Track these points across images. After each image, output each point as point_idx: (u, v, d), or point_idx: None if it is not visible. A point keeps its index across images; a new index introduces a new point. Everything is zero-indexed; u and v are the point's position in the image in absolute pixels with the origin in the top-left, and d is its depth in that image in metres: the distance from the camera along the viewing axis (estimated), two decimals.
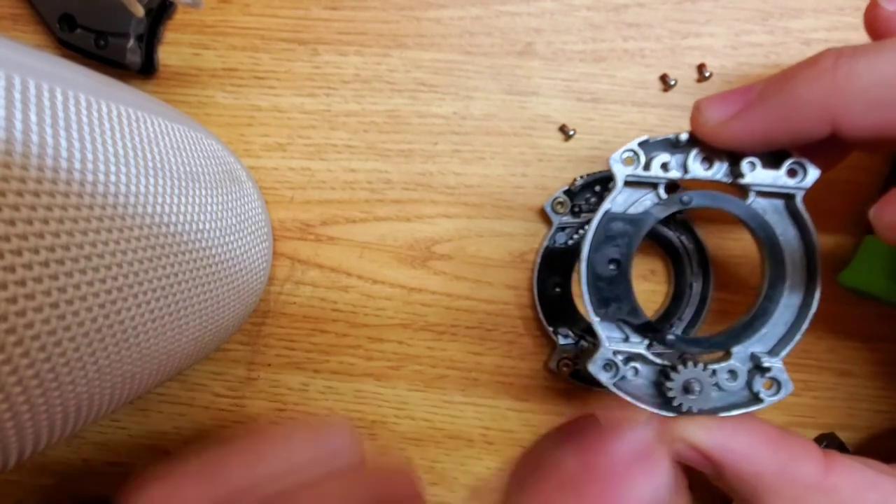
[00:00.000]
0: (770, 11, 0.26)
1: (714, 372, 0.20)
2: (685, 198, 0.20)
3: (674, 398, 0.20)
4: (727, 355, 0.20)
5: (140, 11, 0.23)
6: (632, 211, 0.21)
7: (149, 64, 0.27)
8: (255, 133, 0.28)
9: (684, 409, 0.20)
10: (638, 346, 0.20)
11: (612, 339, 0.21)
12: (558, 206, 0.26)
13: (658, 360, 0.20)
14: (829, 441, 0.26)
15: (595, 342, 0.27)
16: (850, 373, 0.27)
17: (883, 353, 0.27)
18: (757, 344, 0.21)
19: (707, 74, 0.26)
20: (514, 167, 0.27)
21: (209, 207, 0.22)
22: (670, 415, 0.20)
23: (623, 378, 0.20)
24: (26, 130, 0.15)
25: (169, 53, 0.27)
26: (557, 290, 0.27)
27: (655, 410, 0.20)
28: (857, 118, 0.17)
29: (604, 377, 0.20)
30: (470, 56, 0.27)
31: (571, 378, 0.27)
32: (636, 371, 0.21)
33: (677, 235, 0.26)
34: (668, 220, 0.26)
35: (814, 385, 0.27)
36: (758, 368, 0.20)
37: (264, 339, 0.28)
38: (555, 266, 0.26)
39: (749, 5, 0.26)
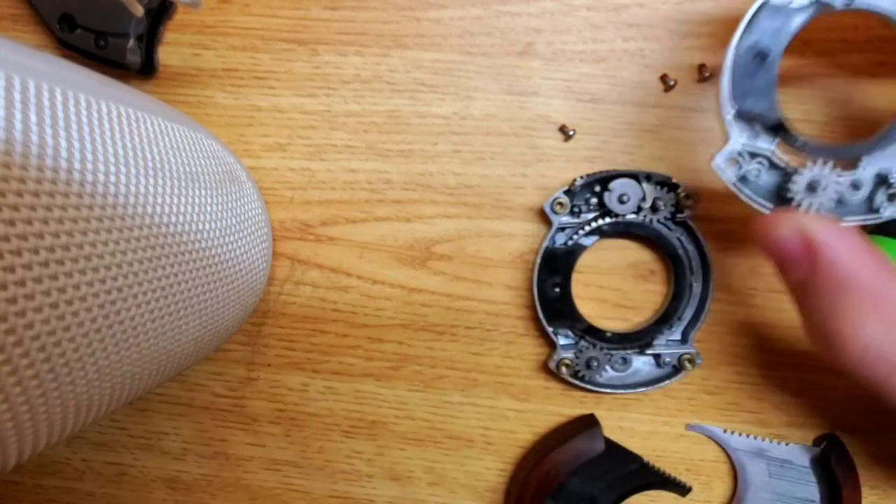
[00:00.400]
0: None
1: (839, 180, 0.20)
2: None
3: (795, 198, 0.20)
4: (855, 166, 0.21)
5: (140, 11, 0.23)
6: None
7: (149, 64, 0.27)
8: (254, 133, 0.28)
9: (814, 208, 0.21)
10: (766, 146, 0.21)
11: (741, 136, 0.21)
12: (558, 207, 0.26)
13: (783, 162, 0.21)
14: (829, 441, 0.26)
15: (595, 342, 0.27)
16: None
17: None
18: (887, 160, 0.21)
19: (707, 75, 0.26)
20: (514, 167, 0.27)
21: (209, 208, 0.22)
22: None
23: (745, 178, 0.21)
24: (26, 131, 0.15)
25: (169, 54, 0.27)
26: (557, 290, 0.27)
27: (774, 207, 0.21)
28: None
29: (728, 173, 0.21)
30: (470, 56, 0.27)
31: (571, 378, 0.27)
32: (759, 172, 0.21)
33: (677, 236, 0.26)
34: (667, 222, 0.26)
35: (813, 385, 0.27)
36: (882, 184, 0.21)
37: (264, 340, 0.28)
38: (555, 266, 0.26)
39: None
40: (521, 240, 0.27)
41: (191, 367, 0.28)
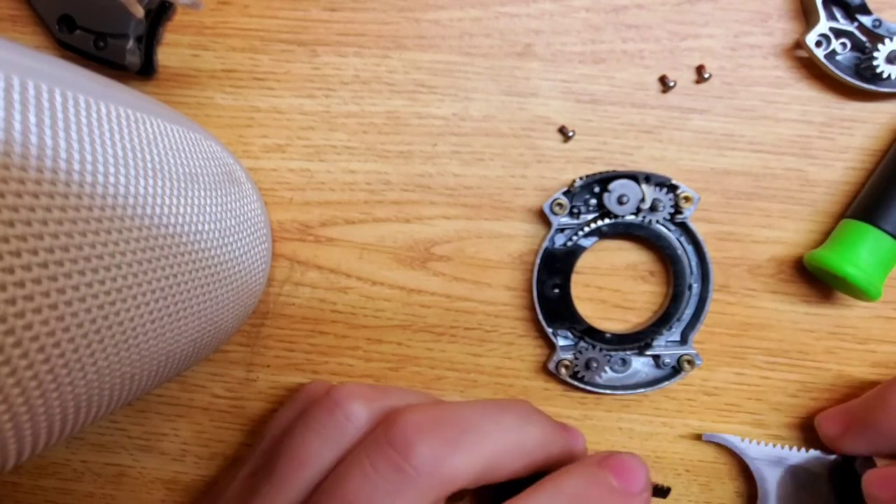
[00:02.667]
0: (769, 13, 0.26)
1: None
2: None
3: (879, 69, 0.24)
4: None
5: (139, 12, 0.23)
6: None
7: (148, 65, 0.27)
8: (254, 134, 0.28)
9: (893, 78, 0.24)
10: (848, 25, 0.24)
11: (829, 19, 0.24)
12: (557, 208, 0.26)
13: (865, 37, 0.24)
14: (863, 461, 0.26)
15: (594, 343, 0.27)
16: (848, 374, 0.27)
17: (880, 354, 0.27)
18: None
19: (706, 76, 0.26)
20: (514, 168, 0.27)
21: (208, 209, 0.22)
22: None
23: (831, 55, 0.24)
24: (25, 132, 0.15)
25: (168, 55, 0.27)
26: (556, 291, 0.27)
27: (857, 83, 0.25)
28: None
29: (818, 51, 0.24)
30: (469, 57, 0.27)
31: (570, 379, 0.27)
32: (844, 48, 0.24)
33: (676, 237, 0.26)
34: (667, 223, 0.26)
35: (811, 387, 0.27)
36: None
37: (263, 341, 0.28)
38: (554, 267, 0.26)
39: (748, 7, 0.26)
40: (520, 241, 0.27)
41: (190, 369, 0.28)
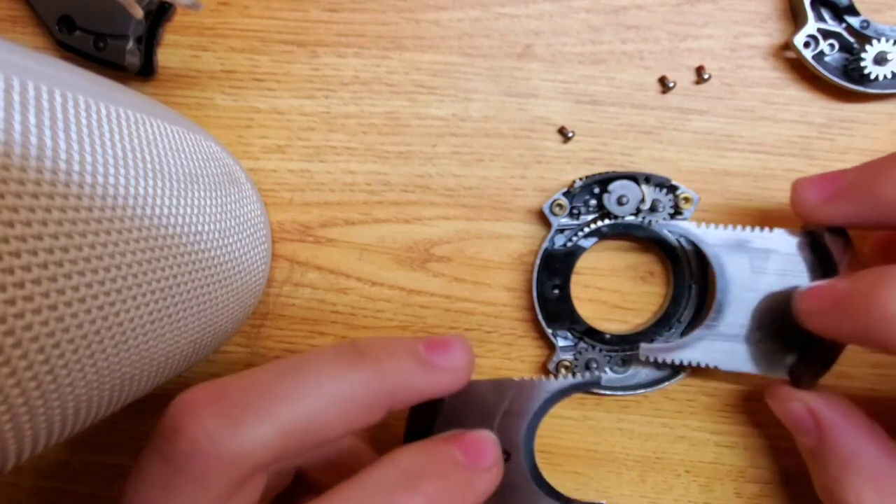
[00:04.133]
0: (768, 14, 0.26)
1: None
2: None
3: (867, 70, 0.24)
4: None
5: (139, 13, 0.23)
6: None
7: (148, 66, 0.27)
8: (254, 135, 0.28)
9: (880, 79, 0.24)
10: (836, 26, 0.25)
11: (818, 20, 0.25)
12: (557, 209, 0.26)
13: (853, 38, 0.24)
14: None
15: (594, 344, 0.27)
16: (848, 375, 0.27)
17: (880, 355, 0.27)
18: None
19: (706, 77, 0.26)
20: (513, 169, 0.27)
21: (208, 209, 0.22)
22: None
23: (819, 55, 0.24)
24: (25, 132, 0.15)
25: (168, 55, 0.27)
26: (556, 291, 0.27)
27: (845, 83, 0.25)
28: None
29: (806, 52, 0.25)
30: (469, 58, 0.27)
31: None
32: (831, 49, 0.25)
33: (676, 238, 0.26)
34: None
35: None
36: None
37: (263, 341, 0.28)
38: (554, 268, 0.26)
39: (747, 8, 0.26)
40: (520, 241, 0.27)
41: (190, 369, 0.28)
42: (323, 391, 0.17)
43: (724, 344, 0.24)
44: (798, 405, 0.23)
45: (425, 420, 0.21)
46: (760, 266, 0.23)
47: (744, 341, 0.24)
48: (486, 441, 0.19)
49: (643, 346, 0.25)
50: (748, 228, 0.23)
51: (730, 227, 0.24)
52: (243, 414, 0.16)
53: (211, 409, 0.16)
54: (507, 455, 0.21)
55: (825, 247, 0.22)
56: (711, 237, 0.24)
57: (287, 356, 0.28)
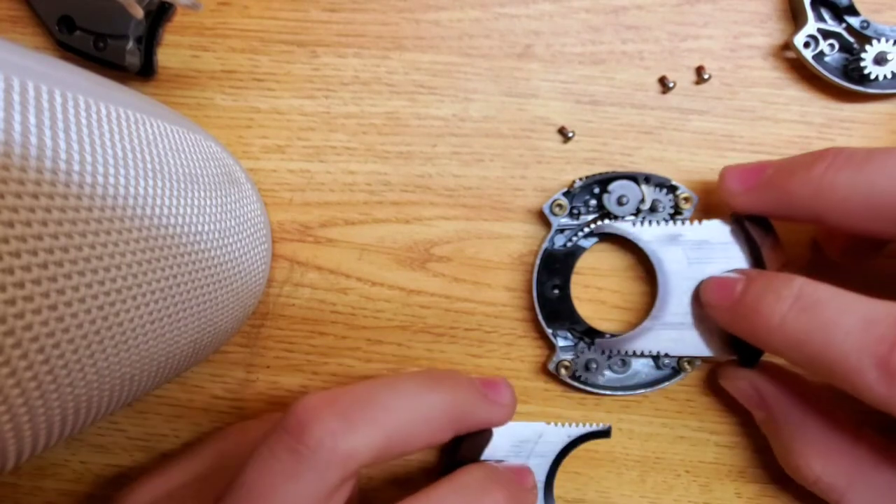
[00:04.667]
0: (768, 14, 0.26)
1: None
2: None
3: (867, 70, 0.24)
4: None
5: (139, 13, 0.23)
6: None
7: (148, 66, 0.27)
8: (254, 135, 0.28)
9: (880, 79, 0.24)
10: (836, 26, 0.25)
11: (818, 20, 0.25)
12: (557, 209, 0.26)
13: (853, 38, 0.24)
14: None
15: (591, 342, 0.27)
16: None
17: None
18: None
19: (706, 77, 0.26)
20: (513, 169, 0.27)
21: (208, 209, 0.22)
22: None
23: (819, 56, 0.24)
24: (25, 132, 0.15)
25: (168, 55, 0.27)
26: (556, 291, 0.27)
27: (845, 83, 0.25)
28: (836, 221, 0.21)
29: (805, 52, 0.24)
30: (469, 58, 0.27)
31: (570, 380, 0.27)
32: (831, 49, 0.25)
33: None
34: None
35: None
36: None
37: (263, 342, 0.28)
38: (554, 268, 0.26)
39: (747, 8, 0.26)
40: (520, 241, 0.27)
41: (190, 369, 0.28)
42: (415, 406, 0.20)
43: (671, 332, 0.25)
44: (743, 383, 0.25)
45: (476, 451, 0.25)
46: (695, 256, 0.25)
47: (688, 328, 0.25)
48: (528, 470, 0.24)
49: (598, 341, 0.26)
50: (680, 223, 0.25)
51: (666, 223, 0.25)
52: (356, 418, 0.19)
53: (331, 412, 0.19)
54: None
55: (748, 233, 0.24)
56: (646, 234, 0.25)
57: (288, 356, 0.28)
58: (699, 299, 0.25)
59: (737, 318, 0.22)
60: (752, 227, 0.24)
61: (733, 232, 0.24)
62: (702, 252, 0.25)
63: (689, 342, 0.25)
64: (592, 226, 0.26)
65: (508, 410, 0.23)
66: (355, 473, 0.19)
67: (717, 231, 0.25)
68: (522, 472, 0.24)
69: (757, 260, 0.24)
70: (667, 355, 0.26)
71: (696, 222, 0.25)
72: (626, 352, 0.26)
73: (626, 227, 0.25)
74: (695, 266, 0.25)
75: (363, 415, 0.19)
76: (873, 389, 0.18)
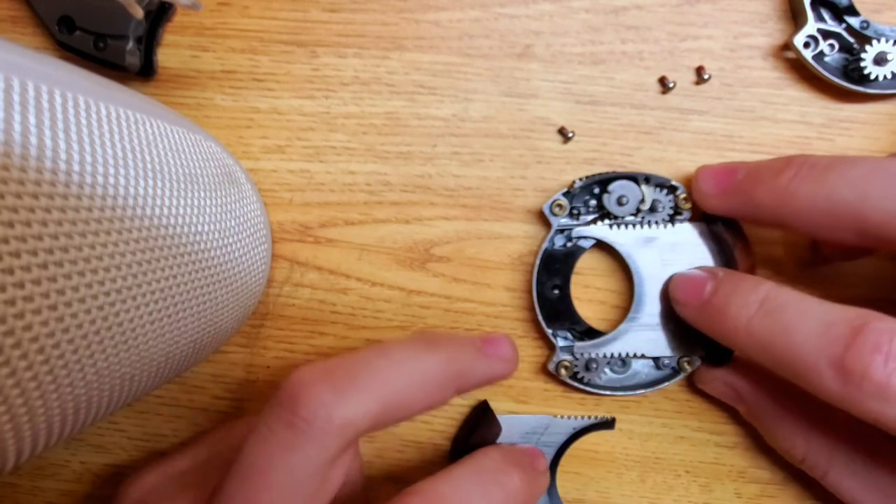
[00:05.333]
0: (768, 14, 0.26)
1: None
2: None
3: (867, 70, 0.24)
4: None
5: (139, 13, 0.23)
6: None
7: (148, 66, 0.27)
8: (253, 135, 0.28)
9: (880, 79, 0.24)
10: (836, 26, 0.25)
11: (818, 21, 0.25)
12: (557, 209, 0.26)
13: (853, 38, 0.24)
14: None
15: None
16: None
17: None
18: None
19: (706, 77, 0.26)
20: (513, 169, 0.27)
21: (208, 210, 0.22)
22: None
23: (819, 56, 0.25)
24: (25, 133, 0.15)
25: (168, 56, 0.27)
26: (556, 291, 0.27)
27: (845, 84, 0.25)
28: (800, 229, 0.22)
29: (805, 52, 0.25)
30: (469, 58, 0.27)
31: (570, 380, 0.27)
32: (831, 50, 0.25)
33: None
34: (667, 223, 0.26)
35: None
36: None
37: (263, 342, 0.28)
38: (554, 268, 0.26)
39: (747, 8, 0.26)
40: (520, 242, 0.27)
41: (190, 370, 0.28)
42: (409, 369, 0.20)
43: (647, 333, 0.26)
44: (718, 383, 0.26)
45: (486, 442, 0.26)
46: (669, 258, 0.26)
47: (663, 329, 0.26)
48: (541, 453, 0.25)
49: (577, 344, 0.26)
50: (654, 225, 0.26)
51: (641, 226, 0.26)
52: (349, 387, 0.19)
53: (323, 383, 0.19)
54: None
55: (720, 234, 0.25)
56: (622, 237, 0.26)
57: (288, 357, 0.28)
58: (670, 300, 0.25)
59: (704, 317, 0.23)
60: (723, 230, 0.25)
61: (705, 233, 0.25)
62: (675, 254, 0.26)
63: (662, 343, 0.26)
64: (572, 231, 0.26)
65: (510, 365, 0.23)
66: (354, 442, 0.19)
67: (689, 233, 0.25)
68: (535, 455, 0.25)
69: (728, 261, 0.25)
70: (660, 358, 0.26)
71: (668, 225, 0.26)
72: (604, 355, 0.26)
73: (601, 230, 0.26)
74: (669, 268, 0.26)
75: (356, 384, 0.19)
76: (829, 388, 0.19)
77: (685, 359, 0.26)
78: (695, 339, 0.25)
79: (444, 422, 0.28)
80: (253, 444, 0.19)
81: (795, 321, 0.20)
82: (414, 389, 0.20)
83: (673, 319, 0.26)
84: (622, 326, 0.26)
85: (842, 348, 0.19)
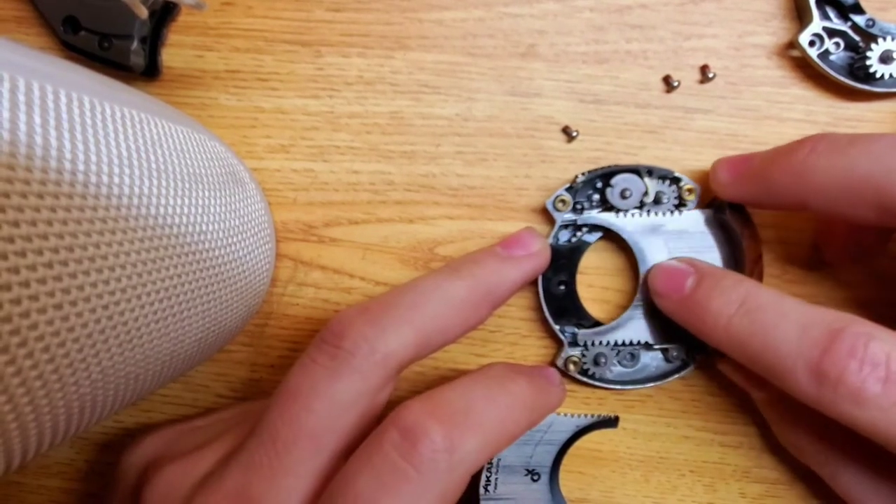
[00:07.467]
0: (773, 13, 0.26)
1: None
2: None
3: (872, 68, 0.24)
4: None
5: (144, 13, 0.23)
6: None
7: (152, 66, 0.27)
8: (258, 135, 0.28)
9: (886, 78, 0.24)
10: (842, 24, 0.24)
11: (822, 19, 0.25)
12: (560, 204, 0.26)
13: (858, 37, 0.24)
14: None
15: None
16: None
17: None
18: None
19: (710, 76, 0.26)
20: (517, 169, 0.27)
21: (212, 209, 0.22)
22: None
23: (824, 54, 0.24)
24: (30, 133, 0.15)
25: (172, 55, 0.27)
26: (562, 287, 0.27)
27: (850, 82, 0.25)
28: (819, 206, 0.21)
29: (811, 51, 0.24)
30: (473, 58, 0.27)
31: (579, 375, 0.27)
32: (837, 48, 0.24)
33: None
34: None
35: None
36: None
37: (267, 341, 0.28)
38: (559, 264, 0.26)
39: (752, 6, 0.26)
40: None
41: (194, 369, 0.28)
42: (438, 297, 0.21)
43: (652, 321, 0.26)
44: (728, 369, 0.26)
45: None
46: (675, 246, 0.26)
47: (667, 317, 0.25)
48: (552, 370, 0.25)
49: (580, 332, 0.26)
50: (661, 214, 0.25)
51: (648, 213, 0.26)
52: (386, 322, 0.20)
53: (362, 319, 0.20)
54: (538, 476, 0.26)
55: (727, 223, 0.25)
56: (629, 225, 0.26)
57: (292, 355, 0.28)
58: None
59: (684, 311, 0.23)
60: (731, 217, 0.25)
61: (711, 221, 0.25)
62: (682, 242, 0.26)
63: (667, 331, 0.26)
64: (577, 218, 0.26)
65: (540, 258, 0.24)
66: (397, 374, 0.20)
67: (696, 221, 0.25)
68: (546, 370, 0.24)
69: (735, 249, 0.25)
70: (668, 349, 0.26)
71: (675, 213, 0.25)
72: (612, 346, 0.26)
73: (608, 217, 0.26)
74: (675, 255, 0.25)
75: (392, 317, 0.20)
76: (805, 391, 0.19)
77: (694, 350, 0.26)
78: None
79: None
80: (297, 372, 0.20)
81: (774, 322, 0.20)
82: (449, 314, 0.21)
83: None
84: (627, 313, 0.26)
85: (819, 351, 0.19)
